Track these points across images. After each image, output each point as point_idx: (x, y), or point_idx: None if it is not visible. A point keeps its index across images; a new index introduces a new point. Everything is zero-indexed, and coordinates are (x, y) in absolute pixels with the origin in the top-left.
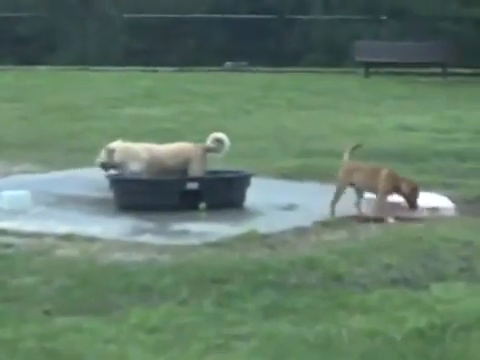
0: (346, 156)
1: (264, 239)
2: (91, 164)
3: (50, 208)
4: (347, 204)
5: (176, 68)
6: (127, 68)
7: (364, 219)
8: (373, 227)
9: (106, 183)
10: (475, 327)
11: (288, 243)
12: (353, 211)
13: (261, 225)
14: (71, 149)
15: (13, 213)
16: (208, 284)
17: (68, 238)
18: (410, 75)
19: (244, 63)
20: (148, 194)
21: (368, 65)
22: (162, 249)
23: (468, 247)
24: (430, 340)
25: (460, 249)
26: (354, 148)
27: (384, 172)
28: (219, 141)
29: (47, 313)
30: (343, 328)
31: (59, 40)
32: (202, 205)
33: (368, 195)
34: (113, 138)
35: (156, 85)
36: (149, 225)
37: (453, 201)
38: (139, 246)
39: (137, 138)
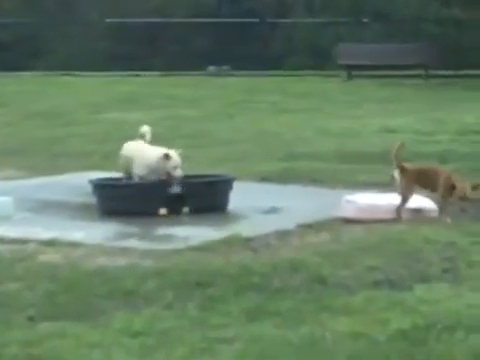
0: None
1: (247, 242)
2: (75, 169)
3: (33, 214)
4: (330, 206)
5: (159, 73)
6: (110, 73)
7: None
8: (357, 229)
9: (89, 188)
10: (458, 328)
11: (271, 246)
12: (336, 213)
13: (244, 228)
14: (54, 155)
15: None
16: (192, 288)
17: (51, 244)
18: (392, 77)
19: (227, 67)
20: (131, 199)
21: (351, 68)
22: (146, 253)
23: (451, 248)
24: (414, 341)
25: (443, 250)
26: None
27: (444, 174)
28: (143, 135)
29: (31, 319)
30: (327, 330)
31: (42, 46)
32: (185, 209)
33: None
34: (96, 143)
35: (139, 90)
36: (132, 230)
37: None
38: (123, 251)
39: (120, 143)
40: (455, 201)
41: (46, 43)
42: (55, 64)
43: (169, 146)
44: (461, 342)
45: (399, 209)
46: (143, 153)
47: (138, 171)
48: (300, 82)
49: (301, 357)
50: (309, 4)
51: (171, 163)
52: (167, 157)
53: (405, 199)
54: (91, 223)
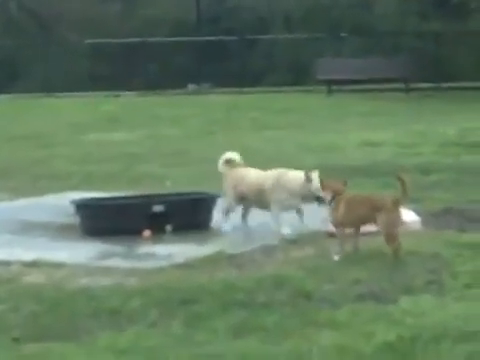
0: None
1: (231, 259)
2: (57, 190)
3: (16, 235)
4: (314, 221)
5: (139, 92)
6: (90, 93)
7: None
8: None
9: (71, 209)
10: (444, 339)
11: (256, 262)
12: (320, 227)
13: (228, 245)
14: (37, 176)
15: None
16: (176, 305)
17: (35, 265)
18: (372, 91)
19: (207, 85)
20: (114, 218)
21: (330, 83)
22: (129, 272)
23: (435, 260)
24: (400, 353)
25: (427, 262)
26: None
27: None
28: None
29: (16, 340)
30: (313, 345)
31: (21, 68)
32: (168, 227)
33: None
34: (78, 164)
35: (119, 110)
36: (116, 249)
37: (419, 214)
38: (106, 270)
39: (102, 163)
40: None
41: (25, 65)
42: (35, 86)
43: (150, 164)
44: (448, 352)
45: None
46: (283, 179)
47: (279, 197)
48: (280, 98)
49: None
50: (287, 20)
51: (314, 185)
52: (309, 179)
53: None
54: (74, 243)
